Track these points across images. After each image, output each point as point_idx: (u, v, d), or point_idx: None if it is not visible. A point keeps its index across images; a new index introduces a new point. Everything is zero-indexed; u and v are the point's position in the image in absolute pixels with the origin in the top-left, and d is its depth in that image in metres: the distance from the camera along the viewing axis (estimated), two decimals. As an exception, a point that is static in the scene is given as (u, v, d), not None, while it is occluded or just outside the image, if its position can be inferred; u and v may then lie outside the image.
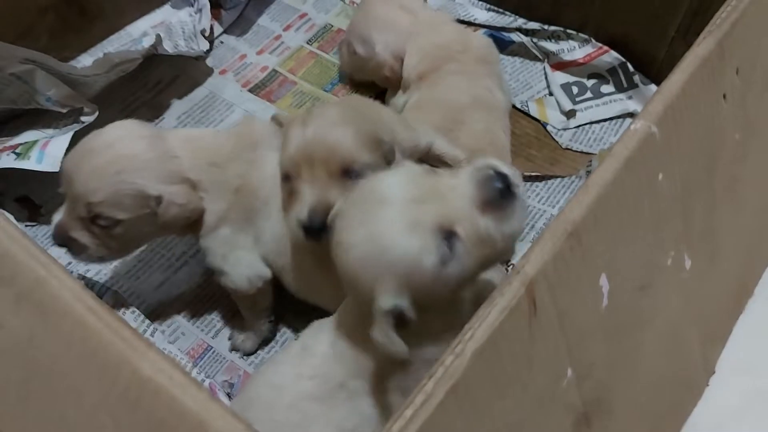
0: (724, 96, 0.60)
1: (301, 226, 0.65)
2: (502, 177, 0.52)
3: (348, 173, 0.65)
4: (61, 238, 0.69)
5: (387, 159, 0.69)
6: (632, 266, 0.54)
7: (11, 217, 0.79)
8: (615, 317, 0.53)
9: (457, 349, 0.41)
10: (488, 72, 0.91)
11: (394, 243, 0.50)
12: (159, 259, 0.86)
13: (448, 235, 0.51)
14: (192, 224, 0.71)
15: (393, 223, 0.51)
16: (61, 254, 0.84)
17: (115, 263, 0.85)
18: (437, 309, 0.54)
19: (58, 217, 0.69)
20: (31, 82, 0.84)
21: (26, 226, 0.88)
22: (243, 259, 0.73)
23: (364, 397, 0.59)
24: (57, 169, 0.82)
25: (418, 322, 0.52)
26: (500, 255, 0.55)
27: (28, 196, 0.91)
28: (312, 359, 0.60)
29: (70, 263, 0.84)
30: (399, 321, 0.52)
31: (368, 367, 0.58)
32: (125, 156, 0.67)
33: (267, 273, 0.74)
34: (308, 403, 0.59)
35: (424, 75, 0.89)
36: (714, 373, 0.69)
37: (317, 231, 0.64)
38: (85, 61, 1.05)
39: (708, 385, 0.68)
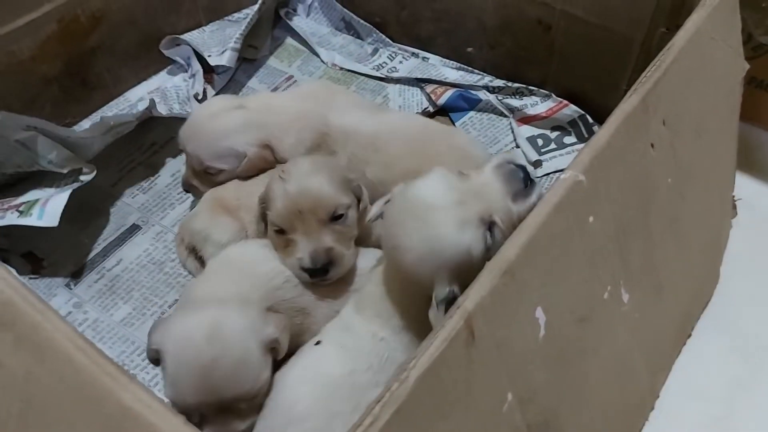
0: (652, 145, 0.67)
1: (305, 270, 0.76)
2: (522, 168, 0.65)
3: (334, 218, 0.76)
4: None
5: (356, 195, 0.79)
6: (569, 299, 0.59)
7: (13, 271, 0.85)
8: (555, 346, 0.58)
9: (402, 376, 0.46)
10: (344, 93, 1.01)
11: (449, 242, 0.62)
12: (152, 307, 0.92)
13: (489, 225, 0.62)
14: None
15: (446, 225, 0.62)
16: (64, 300, 0.91)
17: (111, 312, 0.91)
18: None
19: None
20: (33, 147, 0.91)
21: (30, 279, 0.94)
22: None
23: None
24: (56, 224, 0.88)
25: None
26: None
27: (32, 251, 0.97)
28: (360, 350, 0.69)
29: (70, 313, 0.91)
30: (451, 301, 0.62)
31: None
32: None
33: None
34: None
35: (315, 146, 0.92)
36: (658, 397, 0.74)
37: (322, 271, 0.76)
38: (84, 125, 1.13)
39: (653, 408, 0.72)
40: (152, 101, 1.04)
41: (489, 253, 0.61)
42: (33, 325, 0.50)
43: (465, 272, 0.61)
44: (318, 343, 0.71)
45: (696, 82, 0.73)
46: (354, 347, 0.69)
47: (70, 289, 0.94)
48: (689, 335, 0.79)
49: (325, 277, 0.77)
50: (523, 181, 0.65)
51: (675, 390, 0.74)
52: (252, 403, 0.68)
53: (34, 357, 0.49)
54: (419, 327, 0.68)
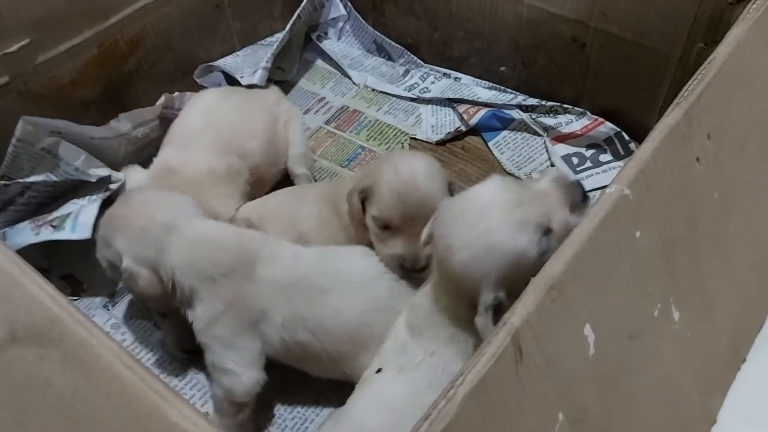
0: (698, 159, 0.66)
1: (400, 267, 0.78)
2: (579, 182, 0.67)
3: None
4: None
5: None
6: (617, 316, 0.58)
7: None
8: (605, 365, 0.57)
9: (449, 394, 0.45)
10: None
11: (505, 240, 0.61)
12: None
13: (546, 231, 0.62)
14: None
15: (503, 223, 0.61)
16: (102, 321, 0.92)
17: (149, 333, 0.92)
18: None
19: None
20: (56, 152, 0.91)
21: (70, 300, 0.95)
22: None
23: None
24: (88, 236, 0.88)
25: None
26: None
27: (72, 273, 0.98)
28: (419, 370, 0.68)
29: (108, 333, 0.91)
30: (497, 309, 0.61)
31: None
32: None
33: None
34: None
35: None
36: (715, 422, 0.71)
37: (419, 270, 0.77)
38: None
39: (709, 434, 0.70)
40: (168, 96, 1.06)
41: (542, 259, 0.59)
42: (80, 342, 0.50)
43: (514, 278, 0.60)
44: (379, 371, 0.70)
45: (739, 95, 0.71)
46: (411, 368, 0.68)
47: (108, 310, 0.95)
48: (744, 360, 0.77)
49: (420, 275, 0.77)
50: (581, 194, 0.65)
51: (729, 415, 0.71)
52: None
53: (81, 374, 0.49)
54: (468, 336, 0.67)
